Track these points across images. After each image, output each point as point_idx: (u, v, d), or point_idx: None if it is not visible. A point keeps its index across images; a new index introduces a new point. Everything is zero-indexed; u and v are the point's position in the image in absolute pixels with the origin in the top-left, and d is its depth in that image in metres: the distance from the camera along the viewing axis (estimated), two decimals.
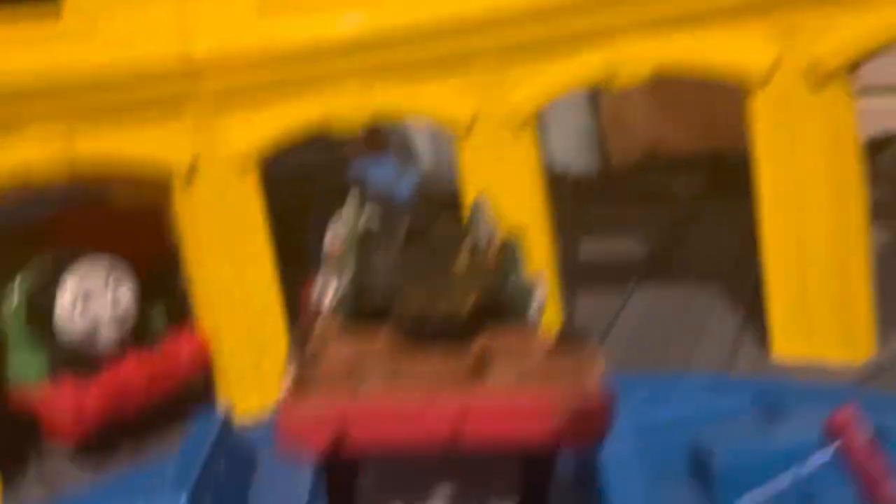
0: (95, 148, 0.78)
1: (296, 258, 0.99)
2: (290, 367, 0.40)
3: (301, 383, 0.40)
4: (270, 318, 0.86)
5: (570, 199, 1.38)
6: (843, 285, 0.76)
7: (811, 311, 0.78)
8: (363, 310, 0.48)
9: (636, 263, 1.12)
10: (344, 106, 0.83)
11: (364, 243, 0.54)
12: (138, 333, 0.82)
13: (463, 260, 0.56)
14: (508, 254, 0.49)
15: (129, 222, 1.01)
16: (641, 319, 0.94)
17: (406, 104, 0.85)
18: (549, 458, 0.45)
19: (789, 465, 0.54)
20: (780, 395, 0.69)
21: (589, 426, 0.38)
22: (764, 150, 0.78)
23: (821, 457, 0.54)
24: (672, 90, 1.83)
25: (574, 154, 1.81)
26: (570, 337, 0.44)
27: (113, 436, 0.79)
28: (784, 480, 0.54)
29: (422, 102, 0.84)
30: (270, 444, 0.75)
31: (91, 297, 0.77)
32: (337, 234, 0.96)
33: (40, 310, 0.77)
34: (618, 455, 0.54)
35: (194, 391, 0.90)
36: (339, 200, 1.00)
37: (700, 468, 0.56)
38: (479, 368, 0.43)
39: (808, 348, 0.78)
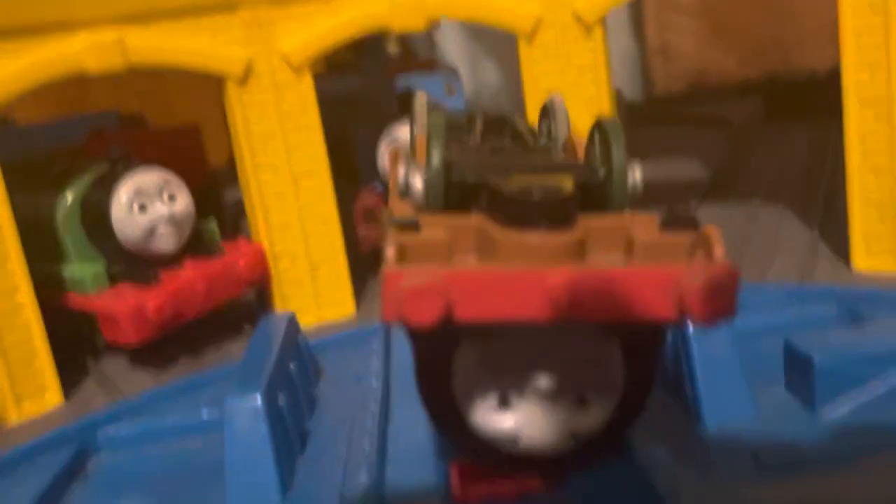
0: (149, 46, 0.75)
1: (345, 174, 0.97)
2: (389, 242, 0.38)
3: (404, 255, 0.37)
4: (327, 227, 0.84)
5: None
6: None
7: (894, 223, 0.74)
8: (453, 192, 0.45)
9: (696, 184, 1.08)
10: (401, 7, 0.79)
11: (448, 130, 0.51)
12: (193, 245, 0.80)
13: (554, 147, 0.53)
14: (604, 141, 0.46)
15: (166, 141, 1.00)
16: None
17: (468, 6, 0.81)
18: (653, 351, 0.43)
19: (884, 368, 0.52)
20: (866, 302, 0.66)
21: (721, 301, 0.35)
22: (852, 54, 0.74)
23: None
24: (719, 15, 1.76)
25: (617, 81, 1.76)
26: (679, 218, 0.41)
27: (171, 342, 0.78)
28: (880, 384, 0.51)
29: (485, 5, 0.80)
30: (334, 355, 0.75)
31: (147, 200, 0.75)
32: (394, 138, 0.94)
33: (96, 212, 0.75)
34: (716, 357, 0.52)
35: (250, 303, 0.89)
36: (383, 119, 0.98)
37: (796, 372, 0.54)
38: (583, 248, 0.41)
39: (891, 262, 0.75)
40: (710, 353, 0.52)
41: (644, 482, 0.43)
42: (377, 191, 0.96)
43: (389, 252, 0.37)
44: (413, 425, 0.56)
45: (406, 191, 0.46)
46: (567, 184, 0.42)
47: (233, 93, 0.79)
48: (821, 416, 0.51)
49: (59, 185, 0.79)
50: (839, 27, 0.73)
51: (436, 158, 0.45)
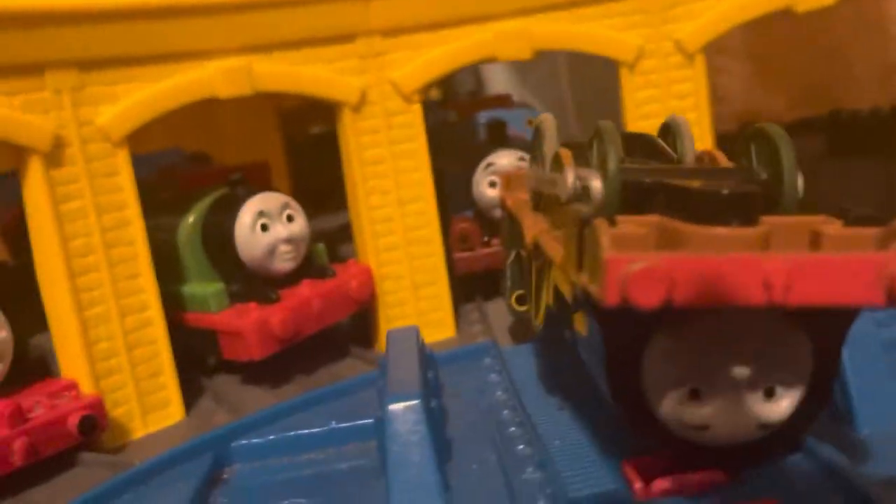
0: (272, 72, 0.78)
1: (438, 203, 0.99)
2: (602, 233, 0.39)
3: (622, 244, 0.39)
4: (430, 249, 0.86)
5: None
6: None
7: None
8: (626, 194, 0.47)
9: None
10: (507, 37, 0.82)
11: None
12: (307, 267, 0.82)
13: (712, 160, 0.55)
14: (769, 148, 0.48)
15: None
16: None
17: (572, 37, 0.84)
18: (838, 344, 0.44)
19: None
20: None
21: None
22: None
23: None
24: (766, 58, 1.80)
25: None
26: (864, 215, 0.42)
27: (281, 360, 0.80)
28: None
29: (586, 35, 0.83)
30: (448, 370, 0.77)
31: (269, 220, 0.78)
32: (494, 165, 0.96)
33: (218, 233, 0.78)
34: (867, 361, 0.53)
35: (348, 324, 0.91)
36: (470, 151, 1.01)
37: None
38: (768, 243, 0.42)
39: None
40: (860, 357, 0.54)
41: (823, 476, 0.44)
42: (469, 218, 0.98)
43: (604, 240, 0.39)
44: (561, 431, 0.57)
45: (578, 196, 0.48)
46: (752, 186, 0.44)
47: (347, 119, 0.82)
48: None
49: (175, 210, 0.82)
50: None
51: (612, 161, 0.47)
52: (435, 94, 1.59)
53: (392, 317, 0.86)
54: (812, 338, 0.43)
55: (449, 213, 1.02)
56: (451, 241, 0.95)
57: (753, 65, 1.83)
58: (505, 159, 0.95)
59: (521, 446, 0.55)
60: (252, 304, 0.76)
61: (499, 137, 0.99)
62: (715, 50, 1.86)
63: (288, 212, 0.79)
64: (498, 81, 1.81)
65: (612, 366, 0.44)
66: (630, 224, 0.43)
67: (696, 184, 0.45)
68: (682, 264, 0.37)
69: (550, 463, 0.50)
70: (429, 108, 1.50)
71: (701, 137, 0.84)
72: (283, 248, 0.78)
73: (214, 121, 1.25)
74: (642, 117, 0.84)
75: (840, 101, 1.71)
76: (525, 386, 0.69)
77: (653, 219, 0.44)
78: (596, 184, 0.46)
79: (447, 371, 0.77)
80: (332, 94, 0.81)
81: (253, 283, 0.77)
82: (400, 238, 0.85)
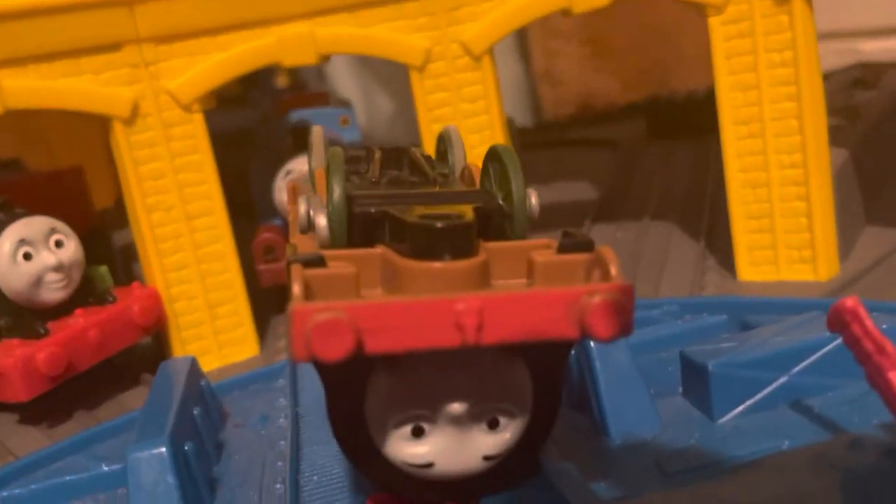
0: (27, 88, 0.72)
1: (242, 210, 0.95)
2: (294, 279, 0.37)
3: (310, 291, 0.37)
4: (224, 266, 0.82)
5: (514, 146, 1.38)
6: (806, 207, 0.77)
7: (775, 234, 0.79)
8: (355, 225, 0.45)
9: (587, 205, 1.12)
10: (291, 41, 0.79)
11: (346, 163, 0.51)
12: (83, 293, 0.77)
13: (452, 176, 0.54)
14: (501, 169, 0.47)
15: (49, 185, 0.96)
16: None
17: (357, 41, 0.81)
18: (558, 371, 0.44)
19: (774, 371, 0.55)
20: (753, 309, 0.70)
21: (619, 317, 0.36)
22: (724, 76, 0.78)
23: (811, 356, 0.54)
24: (601, 40, 1.84)
25: (508, 107, 1.80)
26: (575, 241, 0.42)
27: (64, 396, 0.74)
28: (775, 385, 0.54)
29: (372, 38, 0.81)
30: (239, 396, 0.74)
31: (32, 248, 0.72)
32: (293, 172, 0.93)
33: None
34: (617, 372, 0.54)
35: (146, 350, 0.86)
36: (277, 154, 0.98)
37: (692, 381, 0.56)
38: (487, 274, 0.41)
39: (772, 272, 0.79)
40: (611, 368, 0.54)
41: (557, 499, 0.44)
42: (276, 226, 0.95)
43: (295, 289, 0.37)
44: (326, 463, 0.56)
45: (308, 227, 0.46)
46: (467, 212, 0.43)
47: (120, 133, 0.77)
48: (718, 420, 0.53)
49: None
50: (711, 50, 0.78)
51: (337, 192, 0.45)
52: (284, 81, 1.54)
53: (187, 340, 0.82)
54: (532, 367, 0.42)
55: (256, 220, 0.98)
56: (255, 252, 0.91)
57: (589, 48, 1.86)
58: (305, 166, 0.92)
59: (279, 485, 0.53)
60: (15, 341, 0.70)
61: (302, 141, 0.96)
62: (551, 33, 1.88)
63: (56, 237, 0.74)
64: (344, 73, 1.76)
65: (334, 408, 0.42)
66: (343, 262, 0.41)
67: (416, 214, 0.43)
68: (369, 311, 0.35)
69: None
70: (257, 102, 1.45)
71: (493, 139, 0.83)
72: (51, 276, 0.72)
73: (33, 125, 1.17)
74: (435, 121, 0.82)
75: (670, 82, 1.77)
76: (312, 409, 0.67)
77: (377, 253, 0.42)
78: (320, 219, 0.44)
79: (236, 398, 0.74)
80: (99, 108, 0.76)
81: (19, 317, 0.72)
82: (189, 256, 0.81)
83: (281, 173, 0.93)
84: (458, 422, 0.41)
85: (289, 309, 0.35)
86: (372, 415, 0.42)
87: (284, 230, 0.94)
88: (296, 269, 0.38)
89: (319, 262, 0.40)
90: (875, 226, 0.86)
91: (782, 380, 0.54)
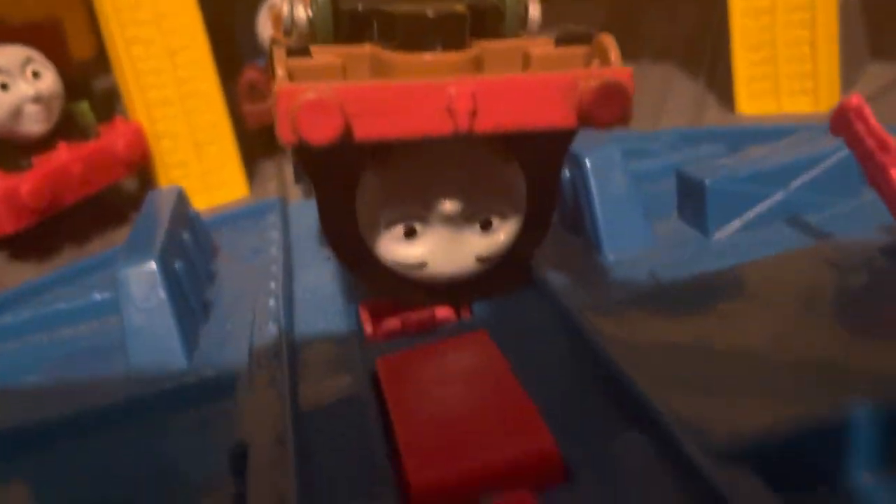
0: None
1: (226, 52, 0.92)
2: (279, 64, 0.35)
3: (296, 75, 0.35)
4: (209, 104, 0.80)
5: None
6: (810, 35, 0.74)
7: (777, 65, 0.76)
8: (342, 23, 0.43)
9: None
10: None
11: None
12: (66, 128, 0.75)
13: None
14: None
15: (25, 37, 0.92)
16: None
17: None
18: (554, 173, 0.43)
19: (769, 187, 0.54)
20: (751, 138, 0.68)
21: (617, 103, 0.35)
22: None
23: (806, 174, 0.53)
24: None
25: None
26: (573, 33, 0.40)
27: (53, 232, 0.74)
28: (771, 201, 0.54)
29: None
30: (229, 232, 0.73)
31: (9, 78, 0.69)
32: (273, 5, 0.89)
33: None
34: (614, 192, 0.53)
35: (133, 190, 0.85)
36: None
37: (689, 199, 0.55)
38: (480, 66, 0.40)
39: (773, 104, 0.77)
40: (607, 187, 0.53)
41: (548, 306, 0.44)
42: (260, 66, 0.91)
43: (279, 72, 0.35)
44: (318, 283, 0.55)
45: (291, 25, 0.43)
46: (459, 6, 0.41)
47: None
48: (713, 236, 0.53)
49: None
50: None
51: None
52: None
53: (174, 180, 0.81)
54: (525, 168, 0.41)
55: (241, 61, 0.95)
56: (240, 92, 0.89)
57: None
58: None
59: (272, 302, 0.53)
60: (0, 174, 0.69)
61: None
62: None
63: (32, 67, 0.71)
64: None
65: (325, 210, 0.41)
66: (329, 55, 0.39)
67: (405, 8, 0.41)
68: (358, 94, 0.34)
69: (288, 317, 0.48)
70: None
71: None
72: (31, 108, 0.70)
73: None
74: None
75: None
76: (302, 240, 0.66)
77: (365, 49, 0.40)
78: (299, 13, 0.42)
79: (227, 232, 0.73)
80: None
81: (1, 151, 0.70)
82: (173, 92, 0.78)
83: (264, 8, 0.90)
84: (450, 222, 0.41)
85: (274, 90, 0.34)
86: (363, 215, 0.41)
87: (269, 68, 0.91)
88: (279, 55, 0.36)
89: (304, 51, 0.38)
90: (879, 59, 0.84)
91: (779, 195, 0.53)
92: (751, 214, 0.53)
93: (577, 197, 0.55)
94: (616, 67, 0.36)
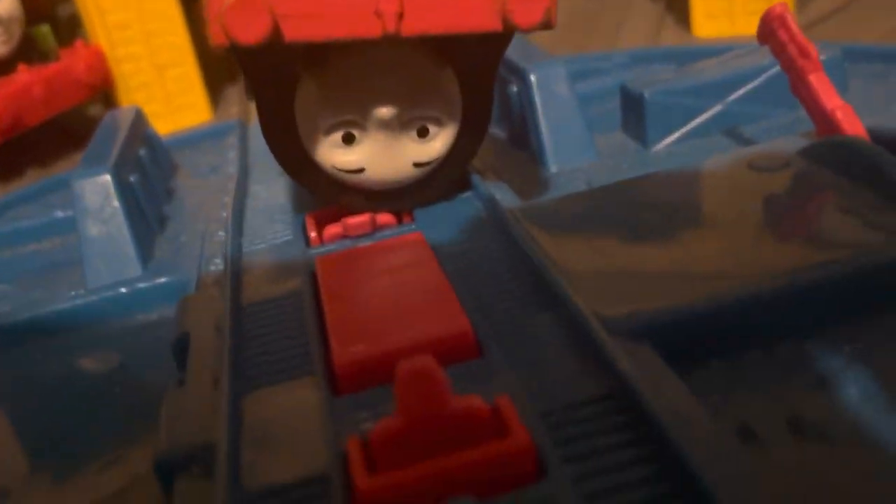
0: None
1: None
2: None
3: None
4: (171, 26, 0.80)
5: None
6: None
7: None
8: None
9: None
10: None
11: None
12: (27, 51, 0.75)
13: None
14: None
15: None
16: (566, 9, 0.91)
17: None
18: (488, 80, 0.44)
19: (708, 98, 0.55)
20: (703, 58, 0.69)
21: (540, 4, 0.36)
22: None
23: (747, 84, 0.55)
24: None
25: None
26: None
27: (16, 154, 0.75)
28: (709, 113, 0.55)
29: None
30: (190, 152, 0.74)
31: None
32: None
33: None
34: (557, 106, 0.54)
35: (98, 116, 0.86)
36: None
37: (631, 112, 0.57)
38: None
39: (728, 26, 0.78)
40: (551, 100, 0.55)
41: (484, 209, 0.45)
42: None
43: None
44: (271, 196, 0.57)
45: None
46: None
47: None
48: (652, 148, 0.55)
49: None
50: None
51: None
52: None
53: (137, 102, 0.81)
54: (460, 75, 0.43)
55: None
56: (205, 13, 0.88)
57: None
58: None
59: (224, 213, 0.55)
60: None
61: None
62: None
63: None
64: None
65: (265, 115, 0.42)
66: None
67: None
68: None
69: (237, 225, 0.50)
70: None
71: None
72: None
73: None
74: None
75: None
76: (259, 160, 0.67)
77: None
78: None
79: (187, 152, 0.74)
80: None
81: None
82: (133, 15, 0.79)
83: None
84: (387, 128, 0.42)
85: None
86: (303, 122, 0.42)
87: None
88: None
89: None
90: None
91: (717, 108, 0.55)
92: (689, 126, 0.55)
93: (522, 111, 0.57)
94: None
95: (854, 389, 0.30)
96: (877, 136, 0.40)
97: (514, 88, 0.57)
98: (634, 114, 0.56)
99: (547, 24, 0.37)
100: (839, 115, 0.40)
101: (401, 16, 0.36)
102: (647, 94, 0.54)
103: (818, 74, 0.41)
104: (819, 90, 0.41)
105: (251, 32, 0.34)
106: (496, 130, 0.61)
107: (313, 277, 0.40)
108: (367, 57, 0.40)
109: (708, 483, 0.23)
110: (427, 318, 0.33)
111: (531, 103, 0.55)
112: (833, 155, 0.40)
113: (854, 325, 0.32)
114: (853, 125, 0.40)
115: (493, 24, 0.37)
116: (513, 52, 0.60)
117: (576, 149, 0.55)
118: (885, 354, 0.31)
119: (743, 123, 0.55)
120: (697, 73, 0.56)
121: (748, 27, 0.78)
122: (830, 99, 0.41)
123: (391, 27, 0.36)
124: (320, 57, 0.40)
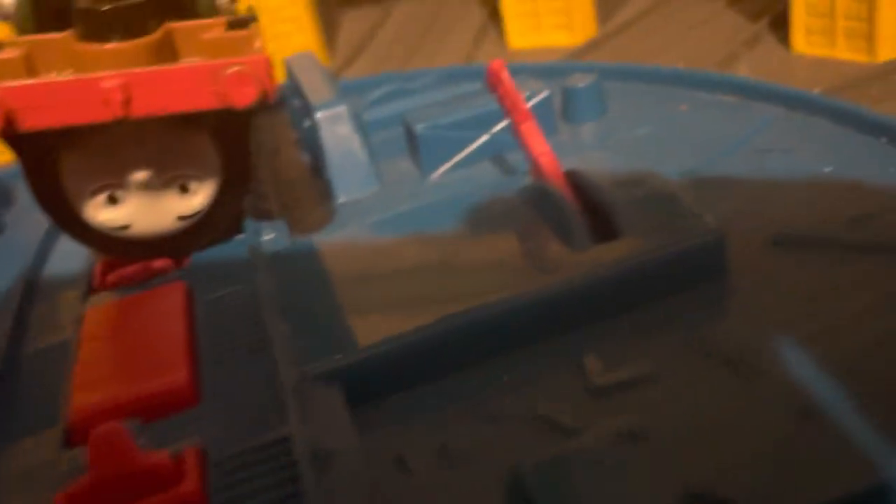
0: None
1: None
2: None
3: None
4: None
5: None
6: None
7: (537, 4, 0.83)
8: (45, 14, 0.47)
9: None
10: None
11: None
12: None
13: None
14: None
15: None
16: (396, 28, 0.96)
17: None
18: (243, 138, 0.49)
19: (481, 130, 0.61)
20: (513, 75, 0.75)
21: (256, 86, 0.41)
22: None
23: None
24: None
25: None
26: (238, 19, 0.46)
27: None
28: (477, 143, 0.61)
29: None
30: None
31: None
32: None
33: None
34: (341, 141, 0.59)
35: None
36: None
37: (411, 143, 0.62)
38: (164, 52, 0.45)
39: (536, 38, 0.84)
40: (335, 138, 0.60)
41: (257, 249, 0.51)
42: None
43: None
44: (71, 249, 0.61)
45: (5, 15, 0.48)
46: None
47: None
48: (428, 177, 0.60)
49: None
50: None
51: None
52: None
53: None
54: (214, 137, 0.47)
55: None
56: None
57: None
58: None
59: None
60: None
61: None
62: None
63: None
64: None
65: (34, 184, 0.46)
66: (19, 48, 0.44)
67: (85, 2, 0.46)
68: (21, 91, 0.39)
69: (36, 269, 0.54)
70: None
71: None
72: None
73: None
74: None
75: None
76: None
77: (60, 36, 0.45)
78: (4, 1, 0.46)
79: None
80: None
81: None
82: None
83: None
84: (147, 188, 0.47)
85: None
86: (69, 187, 0.47)
87: None
88: None
89: None
90: None
91: (484, 138, 0.60)
92: (460, 156, 0.61)
93: (315, 147, 0.62)
94: (254, 56, 0.42)
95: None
96: (574, 179, 0.47)
97: (307, 123, 0.62)
98: (411, 145, 0.61)
99: (263, 103, 0.42)
100: (542, 160, 0.46)
101: (128, 101, 0.40)
102: (419, 129, 0.60)
103: (528, 124, 0.47)
104: (527, 139, 0.47)
105: None
106: (305, 156, 0.66)
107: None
108: (117, 130, 0.45)
109: None
110: (152, 372, 0.38)
111: (318, 140, 0.60)
112: (533, 197, 0.47)
113: (510, 357, 0.39)
114: (553, 169, 0.46)
115: (212, 103, 0.42)
116: (310, 83, 0.65)
117: (359, 181, 0.60)
118: (538, 382, 0.38)
119: (506, 152, 0.60)
120: (466, 105, 0.62)
121: (553, 40, 0.84)
122: (536, 146, 0.47)
123: (120, 112, 0.41)
124: (75, 132, 0.45)
